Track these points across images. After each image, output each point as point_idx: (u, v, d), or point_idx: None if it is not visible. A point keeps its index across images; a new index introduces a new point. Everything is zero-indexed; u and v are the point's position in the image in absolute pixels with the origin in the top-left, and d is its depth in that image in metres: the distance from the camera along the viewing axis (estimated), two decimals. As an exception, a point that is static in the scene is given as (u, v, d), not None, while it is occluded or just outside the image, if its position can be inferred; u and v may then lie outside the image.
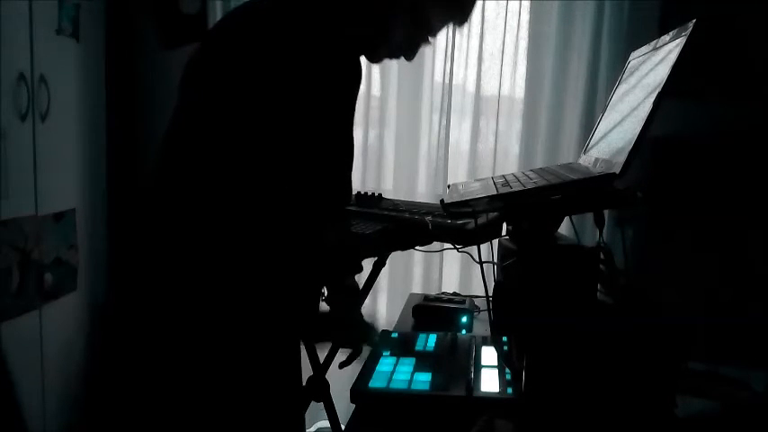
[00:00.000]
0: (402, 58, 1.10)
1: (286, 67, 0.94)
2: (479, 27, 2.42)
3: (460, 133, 2.50)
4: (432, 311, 1.42)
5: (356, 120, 1.08)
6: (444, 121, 2.44)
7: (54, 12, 2.01)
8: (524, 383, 0.91)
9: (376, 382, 0.97)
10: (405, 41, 1.05)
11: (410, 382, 0.97)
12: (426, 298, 1.51)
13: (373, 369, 1.02)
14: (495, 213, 1.13)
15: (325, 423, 2.03)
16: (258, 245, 0.97)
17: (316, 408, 1.66)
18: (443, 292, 1.65)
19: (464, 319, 1.37)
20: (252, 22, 0.96)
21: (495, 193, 1.08)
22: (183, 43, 2.36)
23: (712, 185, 2.13)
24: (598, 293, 1.05)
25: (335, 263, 1.20)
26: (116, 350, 2.20)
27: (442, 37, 2.42)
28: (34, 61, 1.92)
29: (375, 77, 2.49)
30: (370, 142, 2.50)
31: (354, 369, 1.10)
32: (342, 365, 1.30)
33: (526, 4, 2.41)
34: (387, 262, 1.60)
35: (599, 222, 1.09)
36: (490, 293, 1.14)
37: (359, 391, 0.96)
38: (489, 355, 1.08)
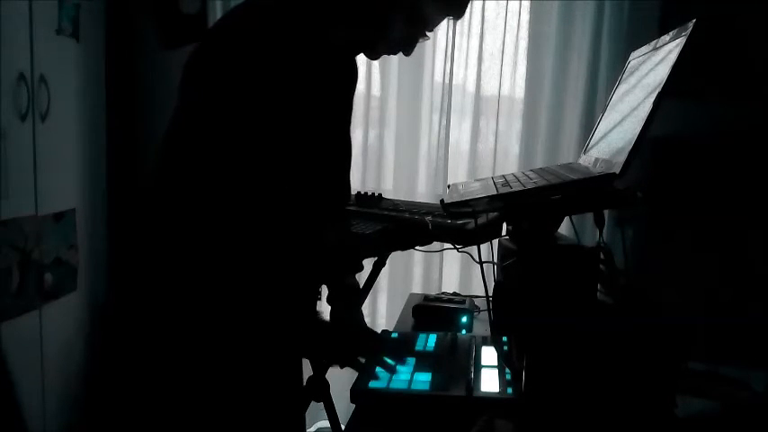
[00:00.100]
0: (400, 53, 1.10)
1: (283, 67, 0.94)
2: (479, 27, 2.42)
3: (460, 133, 2.50)
4: (432, 311, 1.42)
5: (356, 120, 1.09)
6: (444, 121, 2.44)
7: (54, 12, 2.01)
8: (524, 383, 0.91)
9: (376, 383, 0.97)
10: (403, 37, 1.05)
11: (410, 382, 0.97)
12: (426, 298, 1.51)
13: (373, 369, 1.02)
14: (495, 213, 1.13)
15: (325, 423, 2.04)
16: (257, 245, 0.97)
17: (316, 408, 1.66)
18: (443, 292, 1.64)
19: (464, 319, 1.37)
20: (250, 22, 0.96)
21: (495, 193, 1.08)
22: (183, 43, 2.36)
23: (712, 185, 2.13)
24: (598, 293, 1.05)
25: (335, 262, 1.20)
26: (116, 350, 2.20)
27: (442, 37, 2.42)
28: (34, 61, 1.92)
29: (375, 77, 2.49)
30: (370, 142, 2.50)
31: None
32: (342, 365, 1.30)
33: (526, 4, 2.41)
34: (387, 262, 1.61)
35: (599, 222, 1.09)
36: (490, 293, 1.14)
37: (359, 391, 0.96)
38: (489, 355, 1.08)
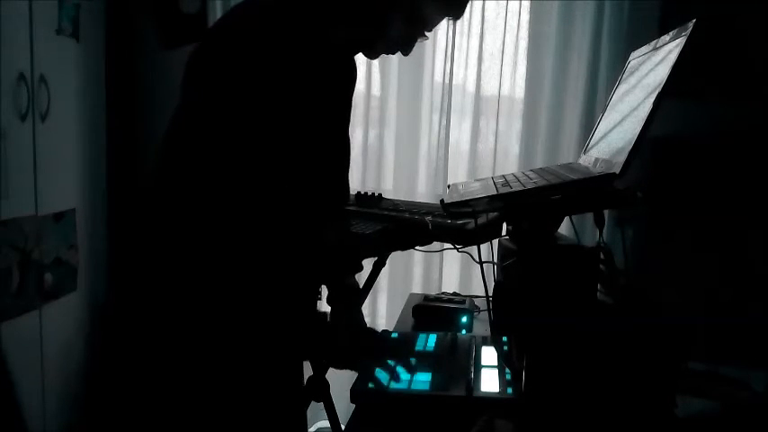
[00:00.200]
0: (399, 52, 1.10)
1: (283, 67, 0.94)
2: (479, 27, 2.42)
3: (460, 133, 2.50)
4: (432, 311, 1.42)
5: (356, 120, 1.08)
6: (444, 121, 2.44)
7: (54, 12, 2.02)
8: (524, 383, 0.91)
9: (376, 383, 0.97)
10: (402, 37, 1.05)
11: (410, 382, 0.97)
12: (426, 298, 1.51)
13: (373, 369, 1.02)
14: (495, 213, 1.13)
15: (325, 423, 2.04)
16: (257, 244, 0.97)
17: (316, 408, 1.66)
18: (443, 292, 1.64)
19: (464, 319, 1.37)
20: (250, 21, 0.96)
21: (495, 193, 1.08)
22: (183, 43, 2.36)
23: (712, 185, 2.13)
24: (598, 293, 1.05)
25: (335, 262, 1.20)
26: (116, 350, 2.20)
27: (442, 37, 2.42)
28: (34, 61, 1.92)
29: (375, 77, 2.49)
30: (370, 142, 2.50)
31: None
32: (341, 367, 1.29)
33: (526, 4, 2.41)
34: (387, 262, 1.61)
35: (599, 222, 1.09)
36: (490, 293, 1.14)
37: (359, 391, 0.96)
38: (489, 355, 1.08)
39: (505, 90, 2.45)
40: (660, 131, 1.81)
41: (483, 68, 2.44)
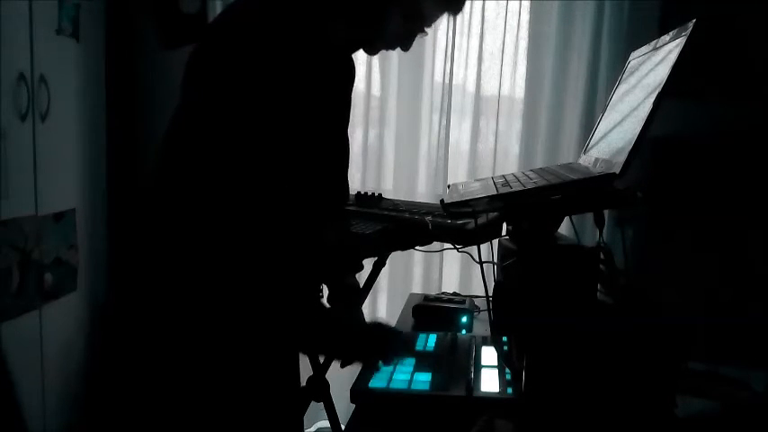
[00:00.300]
0: (398, 48, 1.09)
1: (283, 65, 0.94)
2: (479, 27, 2.42)
3: (460, 133, 2.50)
4: (432, 311, 1.42)
5: (356, 120, 1.08)
6: (444, 121, 2.44)
7: (54, 12, 2.01)
8: (524, 383, 0.91)
9: (376, 382, 0.97)
10: (402, 32, 1.05)
11: (410, 382, 0.97)
12: (426, 298, 1.51)
13: (375, 368, 1.02)
14: (495, 213, 1.13)
15: (325, 423, 2.04)
16: (257, 244, 0.97)
17: (316, 408, 1.67)
18: (443, 292, 1.65)
19: (464, 319, 1.37)
20: (249, 19, 0.96)
21: (495, 193, 1.08)
22: (183, 43, 2.35)
23: (712, 185, 2.13)
24: (598, 293, 1.05)
25: (335, 262, 1.20)
26: (116, 350, 2.20)
27: (442, 37, 2.42)
28: (34, 61, 1.92)
29: (375, 77, 2.48)
30: (370, 142, 2.50)
31: (354, 369, 1.10)
32: (343, 365, 1.29)
33: (526, 4, 2.41)
34: (387, 262, 1.61)
35: (599, 222, 1.09)
36: (490, 293, 1.14)
37: (359, 391, 0.96)
38: (489, 355, 1.08)
39: (505, 90, 2.45)
40: (660, 131, 1.81)
41: (483, 68, 2.44)
